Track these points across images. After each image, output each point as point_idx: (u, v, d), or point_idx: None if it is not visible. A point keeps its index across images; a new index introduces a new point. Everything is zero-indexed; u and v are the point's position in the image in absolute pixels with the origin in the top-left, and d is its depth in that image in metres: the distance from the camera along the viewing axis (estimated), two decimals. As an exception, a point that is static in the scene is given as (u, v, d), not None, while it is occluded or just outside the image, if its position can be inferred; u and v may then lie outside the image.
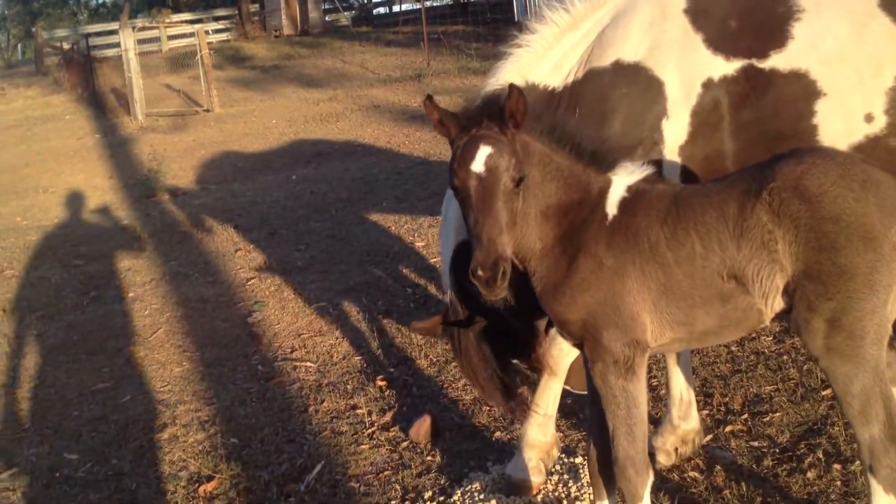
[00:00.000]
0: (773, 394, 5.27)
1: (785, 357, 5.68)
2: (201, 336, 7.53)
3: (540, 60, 4.39)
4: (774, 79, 3.99)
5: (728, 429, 4.98)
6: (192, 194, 13.53)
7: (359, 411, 5.84)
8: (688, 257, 3.29)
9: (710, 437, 4.89)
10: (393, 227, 9.81)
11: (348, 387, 6.23)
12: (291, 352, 6.98)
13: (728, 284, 3.26)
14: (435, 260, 8.45)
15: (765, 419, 5.01)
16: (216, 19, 40.03)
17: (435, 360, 6.46)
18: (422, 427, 5.44)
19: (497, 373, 4.41)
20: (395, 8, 41.22)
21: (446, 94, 18.66)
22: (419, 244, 9.05)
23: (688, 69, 4.13)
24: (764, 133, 4.01)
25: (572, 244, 3.44)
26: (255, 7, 40.71)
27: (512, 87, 3.28)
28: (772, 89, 3.99)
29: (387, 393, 6.07)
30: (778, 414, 5.03)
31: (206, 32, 29.87)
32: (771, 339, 5.95)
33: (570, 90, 4.34)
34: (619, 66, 4.22)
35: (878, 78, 3.91)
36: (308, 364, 6.70)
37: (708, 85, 4.09)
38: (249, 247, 9.91)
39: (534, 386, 4.76)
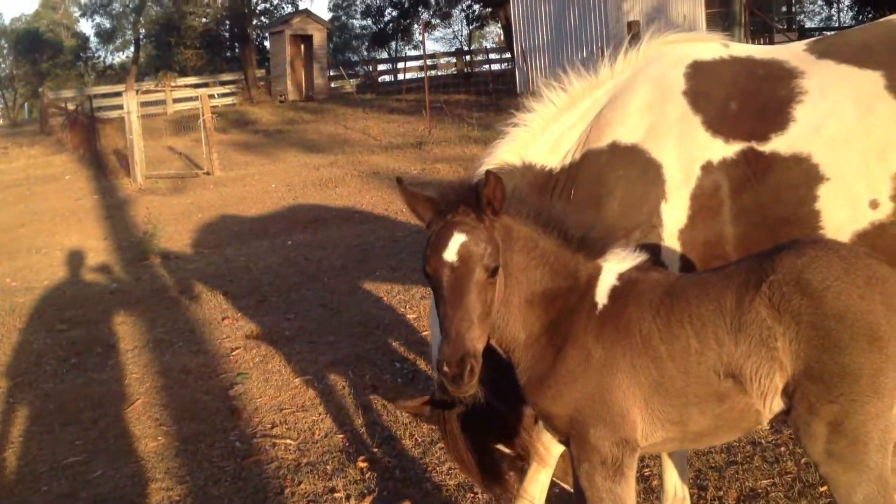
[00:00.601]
0: (769, 489, 5.01)
1: (782, 448, 5.42)
2: (180, 408, 7.27)
3: (537, 140, 4.26)
4: (775, 162, 3.85)
5: (724, 525, 4.72)
6: (186, 258, 13.36)
7: (337, 495, 5.56)
8: (682, 352, 3.07)
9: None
10: (385, 298, 9.60)
11: (328, 467, 5.95)
12: (272, 428, 6.71)
13: (725, 383, 3.04)
14: (426, 333, 8.22)
15: (762, 516, 4.74)
16: (222, 83, 40.41)
17: (420, 440, 6.19)
18: (401, 514, 5.18)
19: (483, 456, 4.23)
20: (400, 76, 41.70)
21: (446, 163, 18.66)
22: (410, 316, 8.83)
23: (687, 152, 3.99)
24: (765, 218, 3.85)
25: (559, 334, 3.23)
26: (260, 73, 41.18)
27: (489, 173, 3.14)
28: (773, 173, 3.84)
29: (367, 475, 5.79)
30: (774, 510, 4.77)
31: (212, 96, 30.19)
32: (769, 428, 5.69)
33: (567, 172, 4.20)
34: (616, 148, 4.08)
35: (884, 163, 3.75)
36: (288, 441, 6.43)
37: (707, 168, 3.95)
38: (237, 315, 9.68)
39: (522, 473, 4.51)
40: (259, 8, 46.86)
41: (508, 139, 4.32)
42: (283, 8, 47.38)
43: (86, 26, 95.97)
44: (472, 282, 3.05)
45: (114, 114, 30.88)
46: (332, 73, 41.44)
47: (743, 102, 4.01)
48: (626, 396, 3.14)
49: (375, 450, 6.12)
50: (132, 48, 49.90)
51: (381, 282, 10.18)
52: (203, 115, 22.88)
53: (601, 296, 3.26)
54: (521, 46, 28.51)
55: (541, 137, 4.25)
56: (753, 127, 3.92)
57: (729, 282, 3.09)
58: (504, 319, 3.26)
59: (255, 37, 43.85)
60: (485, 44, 56.70)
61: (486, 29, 57.34)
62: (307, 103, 35.91)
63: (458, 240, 3.09)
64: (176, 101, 37.01)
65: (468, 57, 43.35)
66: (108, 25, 53.05)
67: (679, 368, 3.08)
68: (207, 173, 22.08)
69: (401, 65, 44.36)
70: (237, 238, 14.39)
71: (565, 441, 3.29)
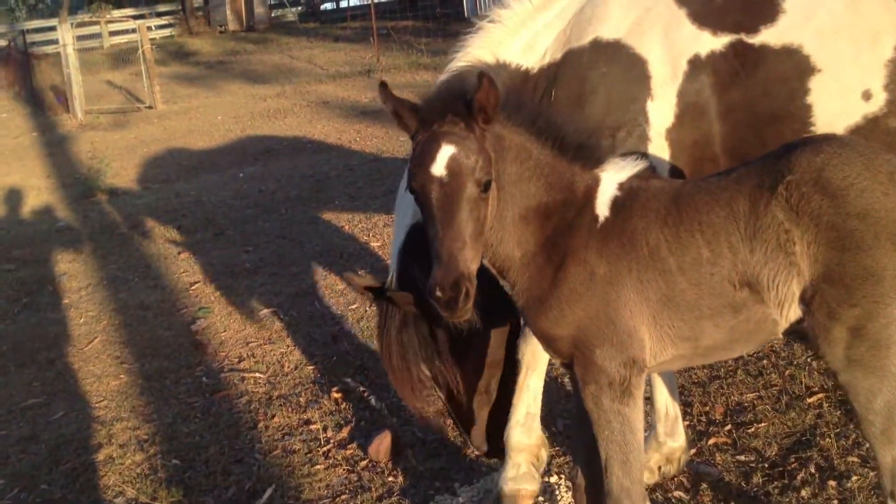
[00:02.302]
0: (755, 402, 4.97)
1: (765, 361, 5.38)
2: (141, 346, 7.02)
3: (512, 38, 4.04)
4: (766, 55, 3.68)
5: (712, 441, 4.67)
6: (134, 194, 12.92)
7: (313, 427, 5.42)
8: (693, 263, 2.91)
9: (693, 451, 4.56)
10: (346, 227, 9.36)
11: (301, 400, 5.79)
12: (239, 362, 6.52)
13: (740, 293, 2.89)
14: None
15: (749, 430, 4.70)
16: (159, 15, 38.97)
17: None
18: (382, 444, 5.03)
19: (412, 365, 4.15)
20: (343, 4, 40.71)
21: (397, 89, 17.72)
22: (375, 244, 8.62)
23: (673, 46, 3.81)
24: (754, 114, 3.69)
25: (558, 251, 3.05)
26: (199, 2, 39.81)
27: (482, 75, 2.88)
28: (763, 66, 3.68)
29: (343, 406, 5.65)
30: (763, 424, 4.72)
31: (149, 28, 29.06)
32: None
33: (545, 72, 3.99)
34: (598, 45, 3.88)
35: (876, 51, 3.61)
36: (257, 375, 6.25)
37: (695, 62, 3.77)
38: (194, 249, 9.37)
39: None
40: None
41: (481, 35, 4.08)
42: (219, -66, 45.66)
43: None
44: (463, 198, 2.84)
45: (48, 49, 29.65)
46: (272, 2, 40.25)
47: None
48: (633, 314, 2.99)
49: (348, 380, 5.97)
50: (63, -20, 47.95)
51: (341, 211, 9.92)
52: (142, 47, 22.05)
53: (602, 208, 3.08)
54: (469, -31, 27.87)
55: (515, 35, 4.03)
56: (741, 19, 3.75)
57: (740, 185, 2.93)
58: (497, 237, 3.06)
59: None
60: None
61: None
62: (248, 33, 34.87)
63: (446, 152, 2.87)
64: (112, 34, 35.61)
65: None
66: (37, -44, 50.78)
67: (690, 280, 2.92)
68: (150, 107, 21.37)
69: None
70: (186, 172, 13.95)
71: (568, 363, 3.14)
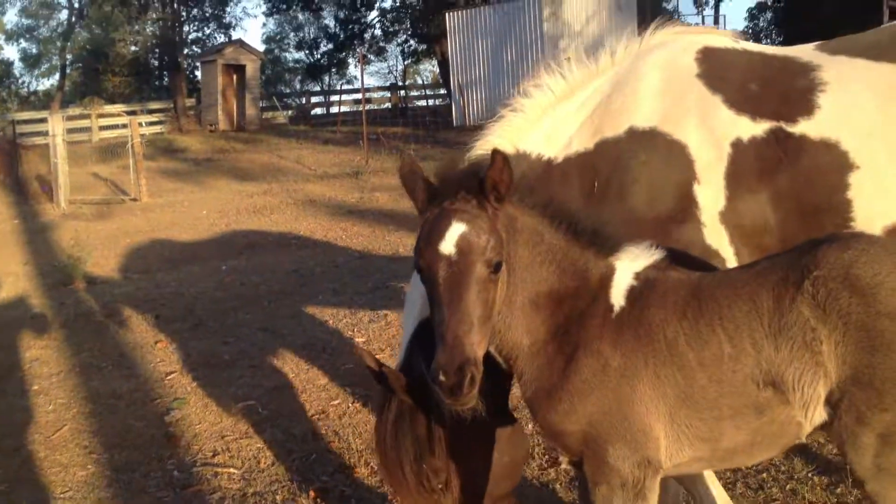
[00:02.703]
0: (755, 516, 4.72)
1: (764, 475, 5.15)
2: (111, 436, 6.68)
3: (532, 127, 3.94)
4: (806, 145, 3.61)
5: (713, 555, 4.38)
6: (113, 283, 12.66)
7: (289, 526, 5.10)
8: (714, 359, 2.73)
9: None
10: (330, 321, 9.13)
11: (277, 497, 5.48)
12: (213, 456, 6.20)
13: (764, 392, 2.71)
14: (378, 356, 7.77)
15: (749, 546, 4.44)
16: (150, 112, 39.35)
17: (376, 468, 5.75)
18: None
19: (404, 457, 3.81)
20: (333, 109, 41.34)
21: (386, 192, 18.31)
22: (359, 339, 8.38)
23: (711, 130, 3.72)
24: (801, 205, 3.60)
25: (569, 340, 2.87)
26: (190, 102, 40.33)
27: (496, 152, 2.76)
28: (805, 157, 3.60)
29: (321, 506, 5.34)
30: (764, 541, 4.48)
31: (140, 125, 29.19)
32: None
33: (574, 162, 3.86)
34: (634, 134, 3.78)
35: None
36: (231, 470, 5.93)
37: (738, 145, 3.67)
38: (171, 339, 9.10)
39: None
40: (191, 37, 46.10)
41: (502, 124, 4.00)
42: (215, 38, 46.68)
43: (11, 51, 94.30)
44: (472, 278, 2.69)
45: (37, 140, 29.74)
46: (264, 105, 40.81)
47: (763, 86, 3.78)
48: (648, 410, 2.79)
49: (327, 479, 5.68)
50: (58, 74, 48.57)
51: (325, 306, 9.71)
52: (132, 140, 22.10)
53: (617, 297, 2.92)
54: (458, 81, 28.44)
55: (537, 125, 3.94)
56: (778, 108, 3.69)
57: (763, 279, 2.78)
58: (506, 323, 2.89)
59: (185, 66, 43.00)
60: (419, 80, 56.64)
61: (421, 66, 57.46)
62: (238, 133, 35.21)
63: (457, 230, 2.73)
64: (102, 128, 35.79)
65: (403, 92, 43.21)
66: (34, 51, 51.45)
67: (711, 377, 2.75)
68: (134, 199, 21.29)
69: (334, 98, 43.99)
70: (167, 263, 13.75)
71: (578, 461, 2.92)
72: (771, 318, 2.71)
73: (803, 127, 3.63)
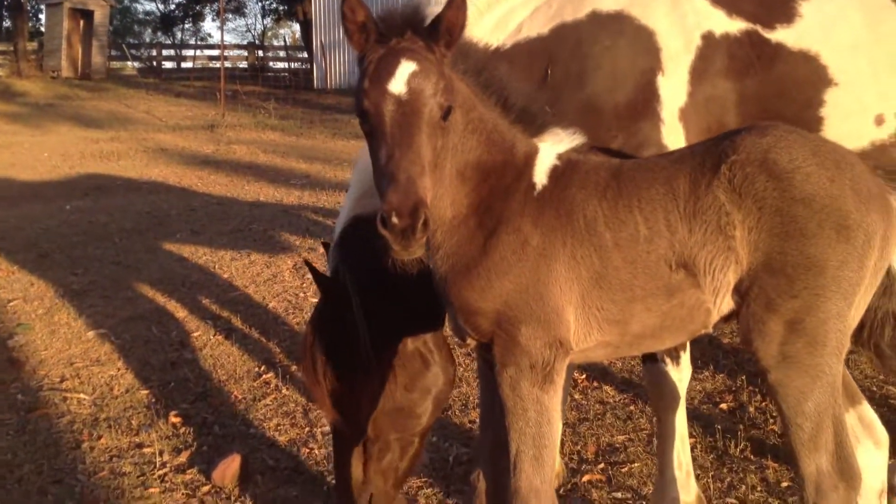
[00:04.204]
0: (626, 443, 4.79)
1: (632, 407, 5.24)
2: (-55, 359, 6.15)
3: (481, 15, 3.65)
4: (782, 53, 3.47)
5: (586, 478, 4.42)
6: (-56, 217, 11.70)
7: (146, 450, 4.81)
8: (630, 240, 2.68)
9: (567, 486, 4.30)
10: (189, 257, 8.68)
11: (133, 422, 5.16)
12: (61, 381, 5.79)
13: (676, 274, 2.68)
14: (238, 294, 7.48)
15: (623, 469, 4.49)
16: (-14, 53, 36.86)
17: (242, 397, 5.51)
18: (228, 469, 4.50)
19: (328, 378, 3.54)
20: (186, 65, 39.88)
21: (243, 144, 17.79)
22: (223, 275, 8.02)
23: (682, 17, 3.53)
24: (766, 113, 3.45)
25: (491, 216, 2.75)
26: (32, 46, 37.93)
27: None
28: (779, 65, 3.46)
29: (182, 430, 5.06)
30: (637, 464, 4.55)
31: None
32: (614, 388, 5.48)
33: (525, 48, 3.60)
34: (597, 17, 3.55)
35: (894, 75, 3.49)
36: (81, 396, 5.55)
37: (709, 38, 3.50)
38: (13, 268, 8.45)
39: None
40: (34, -23, 43.34)
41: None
42: (61, -20, 44.05)
43: None
44: (423, 119, 2.50)
45: None
46: (113, 53, 38.87)
47: None
48: (562, 291, 2.71)
49: (187, 406, 5.40)
50: None
51: (183, 244, 9.25)
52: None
53: (540, 175, 2.82)
54: (322, 41, 27.93)
55: (487, 12, 3.67)
56: (756, 11, 3.53)
57: (682, 164, 2.75)
58: (434, 191, 2.72)
59: (29, 8, 40.40)
60: (276, 42, 55.29)
61: (280, 30, 56.15)
62: (83, 81, 33.43)
63: (407, 68, 2.53)
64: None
65: (261, 52, 42.09)
66: None
67: (626, 258, 2.69)
68: (-34, 139, 19.86)
69: (188, 53, 42.41)
70: (6, 201, 12.78)
71: (486, 344, 2.81)
72: (686, 200, 2.67)
73: (781, 34, 3.50)
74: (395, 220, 2.37)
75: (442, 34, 2.61)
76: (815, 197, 2.59)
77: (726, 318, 2.82)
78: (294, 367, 5.88)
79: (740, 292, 2.68)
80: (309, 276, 7.16)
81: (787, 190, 2.60)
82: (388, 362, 3.43)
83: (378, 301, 3.33)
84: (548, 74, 3.54)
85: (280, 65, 40.53)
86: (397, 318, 3.36)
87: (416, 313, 3.39)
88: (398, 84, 2.50)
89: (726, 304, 2.73)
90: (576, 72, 3.51)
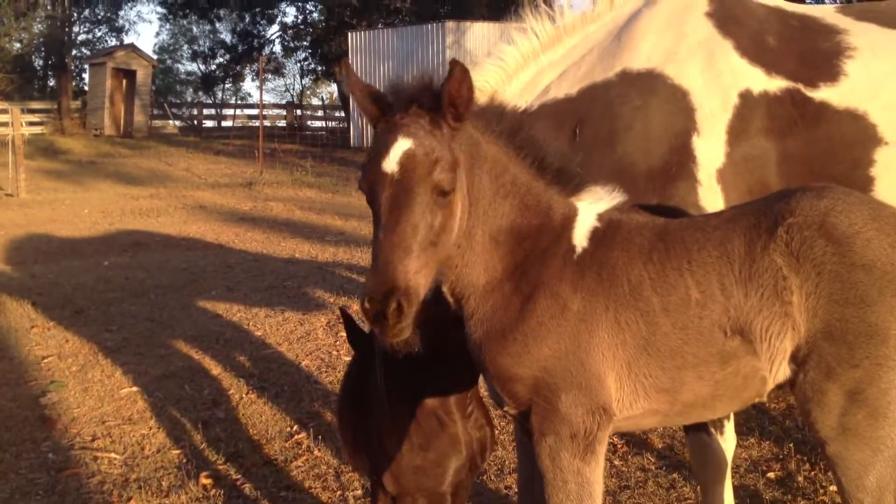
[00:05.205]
0: (669, 513, 4.60)
1: (675, 475, 5.05)
2: (-22, 416, 6.11)
3: (510, 78, 3.61)
4: (827, 113, 3.36)
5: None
6: (-16, 273, 11.82)
7: (176, 512, 4.71)
8: (680, 304, 2.57)
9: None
10: (224, 314, 8.65)
11: (163, 483, 5.08)
12: (92, 440, 5.73)
13: (731, 341, 2.55)
14: (271, 351, 7.41)
15: (666, 540, 4.31)
16: (31, 111, 37.58)
17: (273, 457, 5.41)
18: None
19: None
20: (226, 124, 40.51)
21: (280, 202, 17.90)
22: (256, 332, 7.97)
23: (718, 76, 3.41)
24: (811, 173, 3.33)
25: (528, 280, 2.66)
26: (76, 104, 38.79)
27: (454, 63, 2.50)
28: (824, 124, 3.35)
29: (212, 492, 4.97)
30: (682, 536, 4.35)
31: (20, 124, 27.79)
32: (655, 454, 5.31)
33: (551, 110, 3.52)
34: (627, 76, 3.45)
35: None
36: (113, 455, 5.48)
37: (746, 97, 3.38)
38: (49, 324, 8.47)
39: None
40: (80, 38, 44.53)
41: (476, 72, 3.59)
42: (106, 41, 45.24)
43: None
44: (412, 198, 2.43)
45: None
46: (154, 112, 39.60)
47: (781, 41, 3.50)
48: (605, 357, 2.60)
49: (220, 467, 5.30)
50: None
51: (218, 301, 9.23)
52: (14, 132, 20.99)
53: (580, 238, 2.73)
54: (359, 100, 28.19)
55: (515, 75, 3.62)
56: (797, 69, 3.42)
57: (735, 225, 2.64)
58: (464, 258, 2.66)
59: (73, 67, 41.41)
60: (314, 101, 56.08)
61: (318, 89, 56.95)
62: (125, 139, 34.05)
63: (400, 145, 2.48)
64: (-23, 124, 34.09)
65: (299, 111, 42.69)
66: None
67: (675, 324, 2.58)
68: (10, 195, 20.20)
69: (227, 112, 43.11)
70: (45, 256, 12.93)
71: (524, 413, 2.69)
72: (742, 264, 2.57)
73: (826, 93, 3.39)
74: (366, 304, 2.36)
75: (446, 108, 2.54)
76: (875, 263, 2.49)
77: (780, 387, 2.69)
78: (326, 427, 5.78)
79: (797, 360, 2.56)
80: (342, 333, 7.09)
81: (846, 255, 2.50)
82: (405, 419, 3.35)
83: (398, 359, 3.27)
84: (576, 135, 3.44)
85: (317, 123, 41.13)
86: (417, 377, 3.28)
87: (437, 373, 3.31)
88: (390, 163, 2.46)
89: (782, 372, 2.61)
90: (605, 132, 3.42)
